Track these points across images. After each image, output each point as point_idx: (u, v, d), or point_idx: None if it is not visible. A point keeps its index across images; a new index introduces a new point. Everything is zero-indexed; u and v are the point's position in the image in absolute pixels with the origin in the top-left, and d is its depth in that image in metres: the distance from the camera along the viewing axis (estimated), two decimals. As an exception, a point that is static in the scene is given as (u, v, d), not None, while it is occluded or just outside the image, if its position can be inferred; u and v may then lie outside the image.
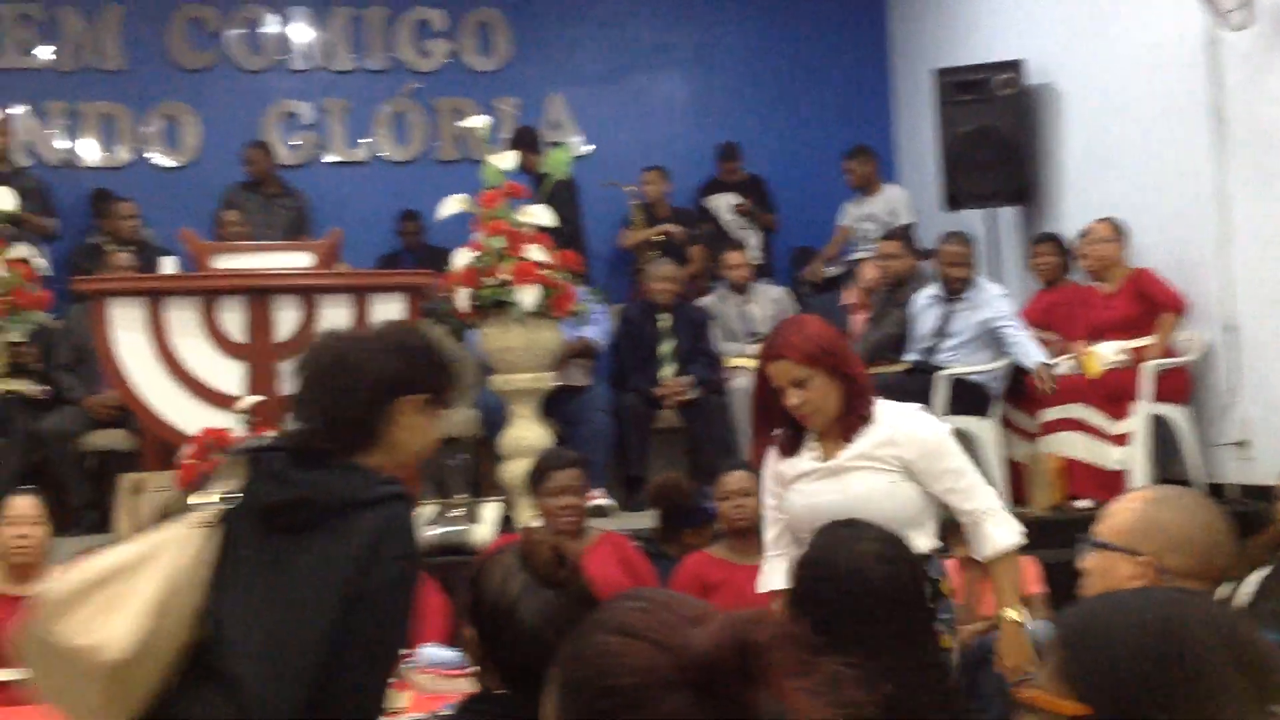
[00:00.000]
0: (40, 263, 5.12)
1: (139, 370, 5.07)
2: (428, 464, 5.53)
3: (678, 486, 4.74)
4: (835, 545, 2.54)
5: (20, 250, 5.05)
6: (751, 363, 6.47)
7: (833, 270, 7.82)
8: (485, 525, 4.84)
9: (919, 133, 8.16)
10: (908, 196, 7.81)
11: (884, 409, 3.14)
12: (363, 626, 2.14)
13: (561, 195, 6.17)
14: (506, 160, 5.26)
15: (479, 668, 2.07)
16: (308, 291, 5.21)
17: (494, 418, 5.65)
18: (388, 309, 5.26)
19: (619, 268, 8.41)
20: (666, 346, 6.54)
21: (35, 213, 7.08)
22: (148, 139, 8.51)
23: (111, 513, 5.39)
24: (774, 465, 3.23)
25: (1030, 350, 5.82)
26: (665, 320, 6.57)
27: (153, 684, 2.11)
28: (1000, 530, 3.12)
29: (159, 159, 8.52)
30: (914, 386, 5.77)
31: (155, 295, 5.14)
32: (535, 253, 5.13)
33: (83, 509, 6.12)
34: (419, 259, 7.82)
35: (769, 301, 6.93)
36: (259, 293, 5.17)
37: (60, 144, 8.40)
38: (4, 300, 4.82)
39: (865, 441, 3.09)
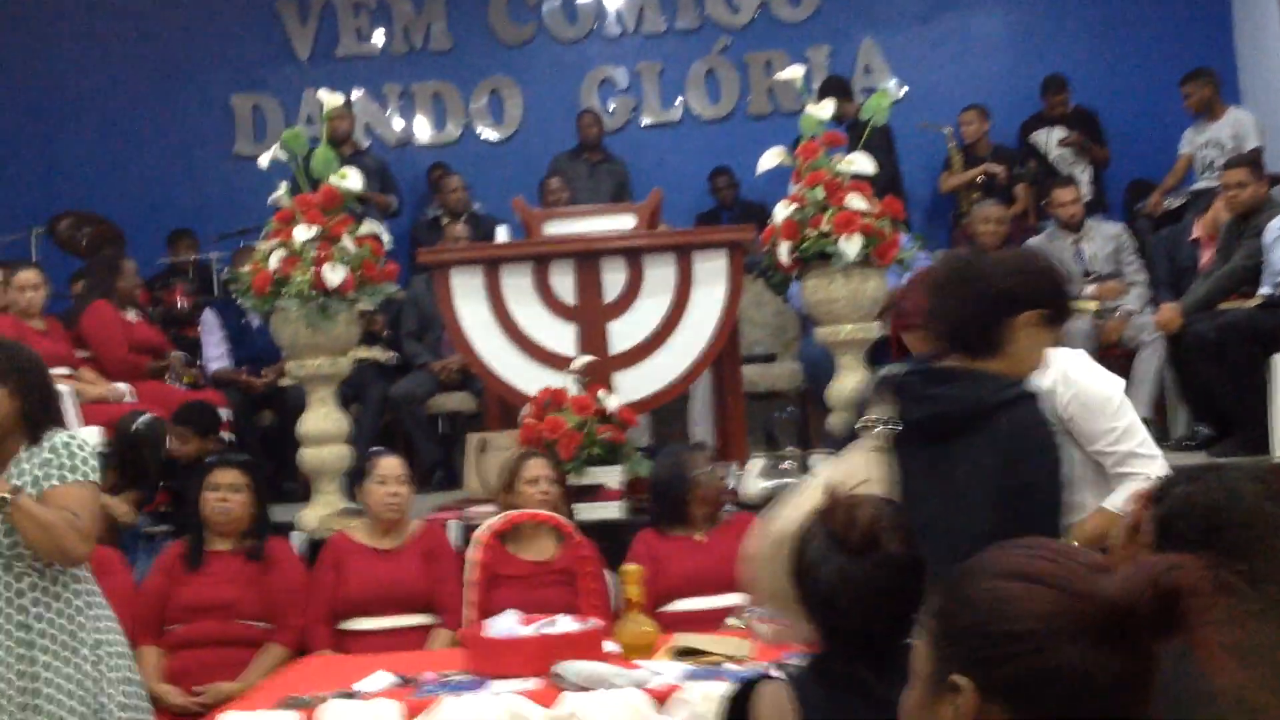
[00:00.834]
0: (385, 237, 5.41)
1: (480, 335, 5.32)
2: (756, 417, 5.57)
3: None
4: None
5: (368, 226, 5.35)
6: (1090, 305, 6.20)
7: (1173, 202, 7.36)
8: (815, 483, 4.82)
9: (1265, 50, 7.56)
10: (1254, 119, 7.24)
11: (1047, 359, 2.85)
12: (1019, 518, 2.26)
13: (878, 141, 6.06)
14: (824, 109, 5.20)
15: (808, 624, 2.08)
16: (633, 252, 5.32)
17: (819, 370, 5.63)
18: (710, 266, 5.31)
19: (938, 213, 8.21)
20: (995, 291, 6.33)
21: (376, 191, 7.53)
22: (475, 114, 8.89)
23: (460, 471, 5.69)
24: None
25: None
26: (992, 264, 6.36)
27: None
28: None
29: (486, 133, 8.89)
30: (1267, 324, 5.38)
31: (492, 263, 5.37)
32: (856, 201, 5.05)
33: (433, 468, 6.49)
34: (734, 215, 7.87)
35: (1104, 239, 6.60)
36: (587, 256, 5.32)
37: (397, 124, 8.89)
38: (354, 274, 5.12)
39: None
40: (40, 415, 3.18)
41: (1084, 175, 7.69)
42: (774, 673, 2.24)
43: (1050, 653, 1.15)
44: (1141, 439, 2.92)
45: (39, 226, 7.78)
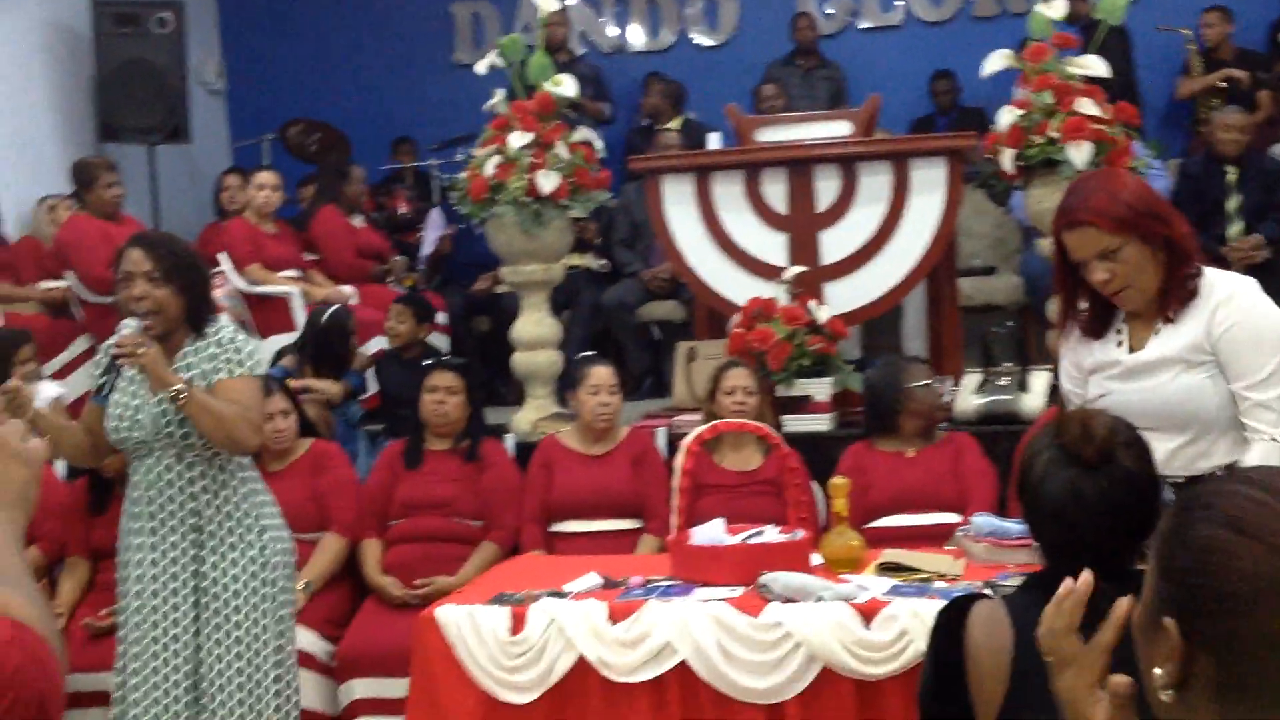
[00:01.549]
0: (598, 144, 5.42)
1: (689, 243, 5.29)
2: (972, 331, 5.41)
3: None
4: None
5: (581, 133, 5.37)
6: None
7: None
8: (1034, 395, 4.68)
9: None
10: None
11: (1213, 281, 2.65)
12: None
13: (1112, 43, 5.74)
14: (1055, 9, 4.94)
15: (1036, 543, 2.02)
16: (847, 160, 5.20)
17: (1041, 284, 5.43)
18: (928, 174, 5.15)
19: (1175, 119, 7.77)
20: (1233, 202, 5.99)
21: (589, 99, 7.54)
22: (689, 20, 8.79)
23: (669, 379, 5.72)
24: (1074, 349, 2.79)
25: None
26: (1232, 174, 6.02)
27: None
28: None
29: (700, 39, 8.79)
30: None
31: (703, 171, 5.32)
32: (1087, 106, 4.81)
33: (642, 376, 6.55)
34: (953, 121, 7.62)
35: (1358, 148, 6.15)
36: (800, 164, 5.22)
37: (611, 31, 8.87)
38: (567, 181, 5.15)
39: (1186, 328, 2.63)
40: (203, 309, 3.27)
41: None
42: (988, 592, 2.18)
43: (1258, 617, 1.07)
44: (1277, 393, 2.59)
45: (270, 133, 8.08)
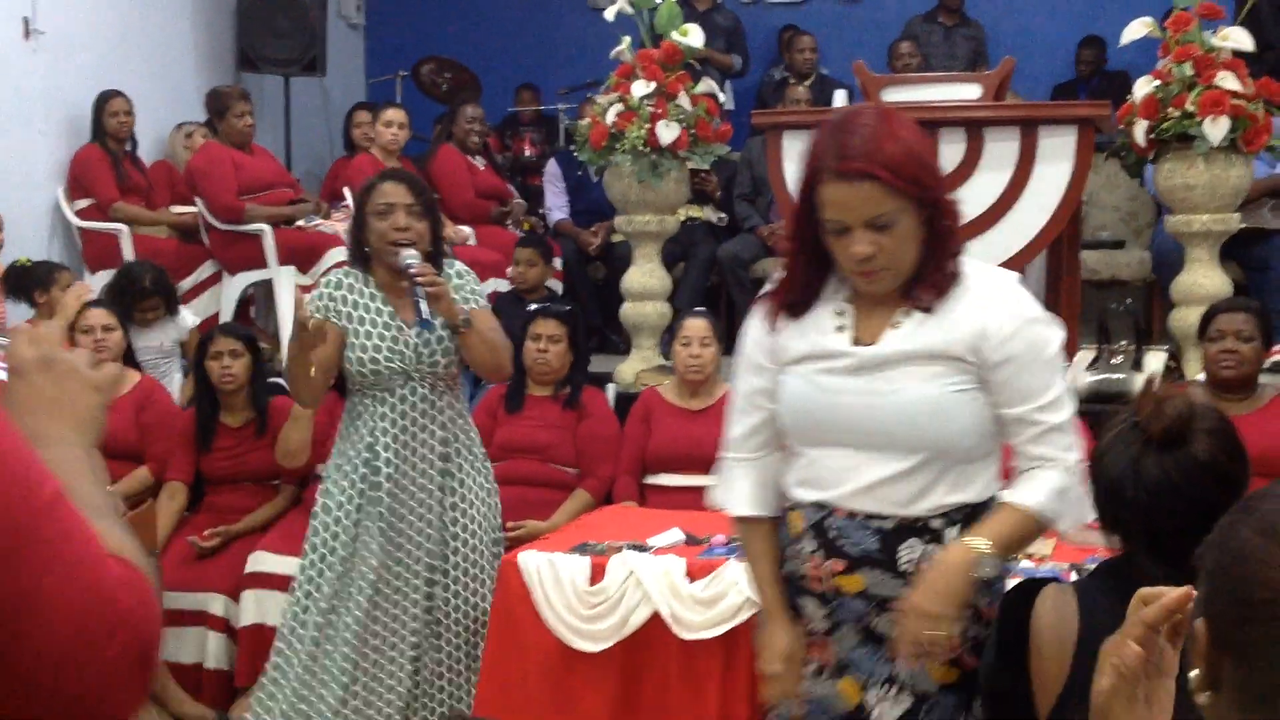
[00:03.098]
0: (722, 97, 5.37)
1: (806, 201, 5.22)
2: (1090, 306, 5.27)
3: None
4: None
5: (704, 85, 5.33)
6: None
7: None
8: (1147, 374, 4.55)
9: None
10: None
11: (973, 273, 2.12)
12: None
13: (1266, 16, 5.51)
14: (1202, -23, 4.75)
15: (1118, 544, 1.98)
16: (974, 124, 5.07)
17: (1168, 261, 5.25)
18: (1057, 142, 4.99)
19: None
20: (1384, 187, 5.71)
21: (720, 50, 7.47)
22: (831, -27, 8.64)
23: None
24: (764, 331, 2.21)
25: None
26: (1385, 156, 5.73)
27: None
28: (1038, 490, 2.07)
29: (840, -8, 8.64)
30: None
31: (824, 128, 5.23)
32: (1228, 80, 4.62)
33: (754, 331, 6.50)
34: (1095, 88, 7.38)
35: None
36: (925, 125, 5.08)
37: (751, -19, 8.76)
38: (688, 132, 5.13)
39: (941, 323, 2.07)
40: (442, 246, 3.44)
41: None
42: (1062, 577, 2.15)
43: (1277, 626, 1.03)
44: (1069, 414, 2.10)
45: (404, 71, 8.18)
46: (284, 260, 5.90)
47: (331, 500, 3.39)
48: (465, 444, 3.45)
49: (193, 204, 6.11)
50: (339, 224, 6.19)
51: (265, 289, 6.12)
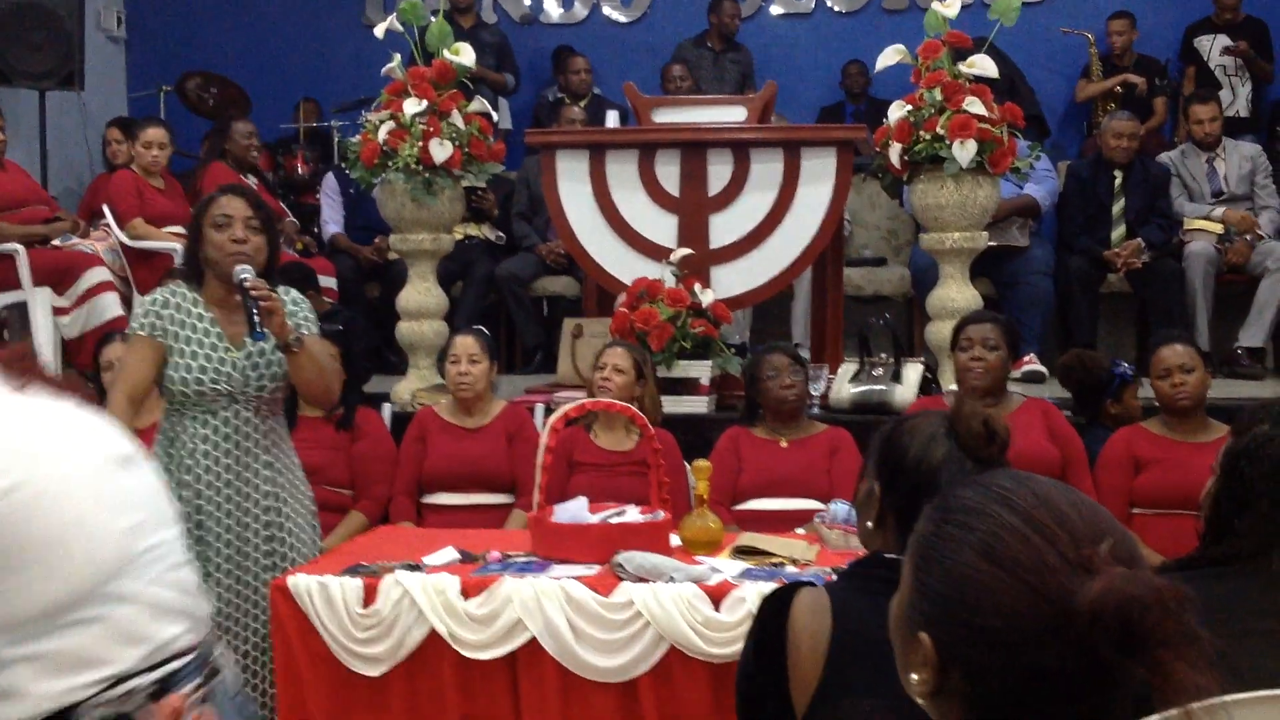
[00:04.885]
0: (497, 115, 5.39)
1: (581, 220, 5.29)
2: (855, 321, 5.48)
3: (1084, 362, 4.48)
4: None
5: (478, 104, 5.34)
6: (1215, 226, 5.96)
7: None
8: (907, 386, 4.75)
9: None
10: None
11: None
12: None
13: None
14: (950, 7, 5.00)
15: (873, 526, 2.04)
16: (741, 145, 5.22)
17: (925, 277, 5.51)
18: (819, 163, 5.20)
19: (1073, 122, 7.91)
20: (1118, 206, 6.12)
21: (492, 68, 7.48)
22: (603, -6, 8.75)
23: (556, 355, 5.72)
24: None
25: None
26: (1119, 178, 6.14)
27: None
28: None
29: (613, 14, 8.75)
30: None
31: (598, 148, 5.32)
32: (975, 105, 4.88)
33: (534, 350, 6.54)
34: (862, 111, 7.68)
35: (1240, 159, 6.30)
36: (694, 146, 5.23)
37: (525, 0, 8.80)
38: (461, 150, 5.13)
39: None
40: (275, 267, 3.39)
41: (1244, 89, 7.31)
42: (815, 580, 2.22)
43: (1011, 649, 1.11)
44: None
45: (168, 85, 7.92)
46: (39, 281, 5.64)
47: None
48: (289, 467, 3.42)
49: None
50: (98, 243, 5.96)
51: (20, 311, 5.83)
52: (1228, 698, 1.07)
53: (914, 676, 1.17)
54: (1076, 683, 1.10)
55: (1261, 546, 2.07)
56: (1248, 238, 5.97)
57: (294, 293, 3.43)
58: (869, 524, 2.04)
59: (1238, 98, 7.18)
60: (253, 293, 3.18)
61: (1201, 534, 2.19)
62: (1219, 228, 6.02)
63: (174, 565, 1.86)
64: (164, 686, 1.79)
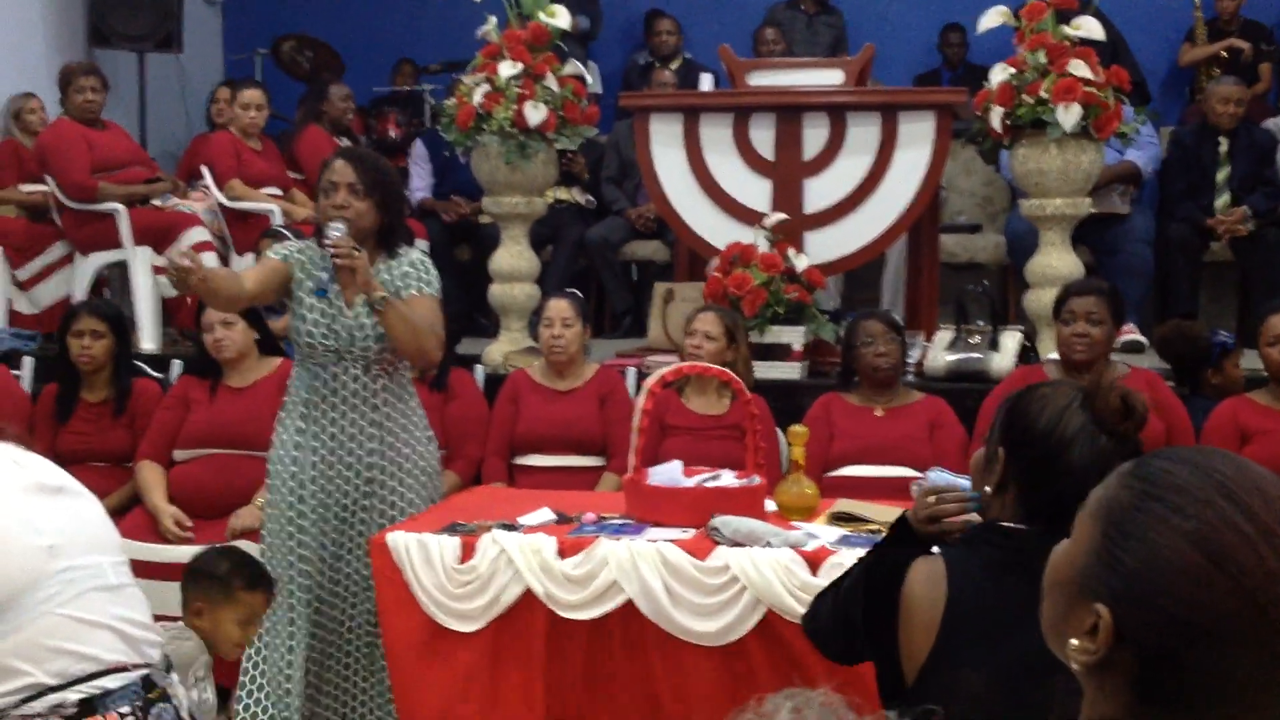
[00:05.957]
0: (589, 79, 5.37)
1: (674, 184, 5.26)
2: (949, 288, 5.40)
3: (1183, 332, 4.38)
4: None
5: (571, 67, 5.32)
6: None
7: None
8: (1005, 355, 4.68)
9: None
10: None
11: None
12: None
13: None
14: (1054, -32, 4.89)
15: (992, 491, 2.00)
16: (837, 109, 5.16)
17: (1022, 244, 5.41)
18: (917, 128, 5.11)
19: (1176, 87, 7.71)
20: (1223, 174, 5.96)
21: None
22: (697, -43, 8.66)
23: (646, 319, 5.71)
24: None
25: None
26: (1224, 144, 5.98)
27: None
28: None
29: (705, -24, 8.66)
30: None
31: (692, 112, 5.28)
32: (1079, 68, 4.77)
33: (623, 314, 6.53)
34: (958, 76, 7.54)
35: (1351, 125, 6.11)
36: (789, 110, 5.18)
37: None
38: (555, 114, 5.12)
39: None
40: (396, 230, 3.49)
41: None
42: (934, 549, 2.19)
43: (1207, 646, 1.06)
44: None
45: (264, 48, 8.00)
46: (139, 240, 5.74)
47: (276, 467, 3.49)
48: (404, 427, 3.48)
49: (43, 182, 5.90)
50: (196, 204, 6.04)
51: (120, 270, 5.95)
52: None
53: (1076, 643, 1.12)
54: (1260, 692, 1.06)
55: None
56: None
57: (415, 255, 3.52)
58: (987, 489, 2.01)
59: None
60: (332, 251, 3.28)
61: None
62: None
63: (103, 588, 1.96)
64: (91, 705, 1.89)
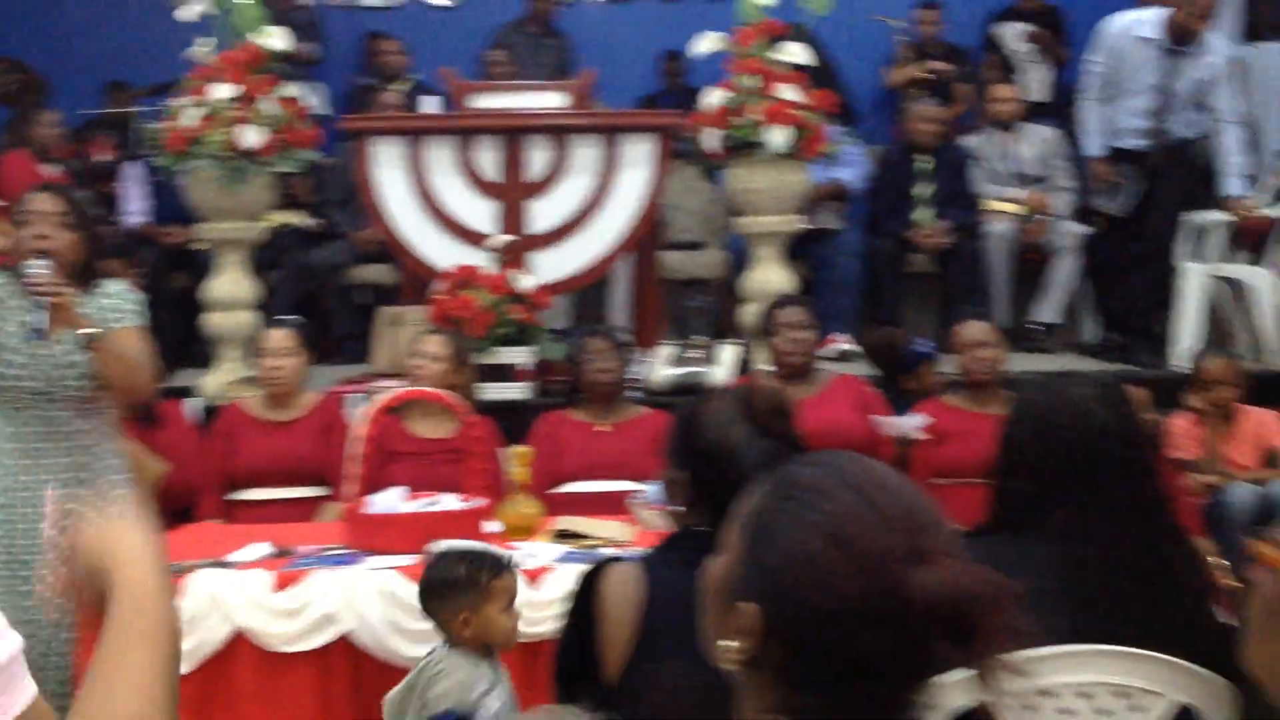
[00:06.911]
0: (313, 101, 5.27)
1: (397, 207, 5.23)
2: (670, 304, 5.53)
3: (890, 340, 4.62)
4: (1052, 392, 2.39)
5: (292, 89, 5.22)
6: (1013, 207, 6.18)
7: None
8: (722, 367, 4.82)
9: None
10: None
11: None
12: None
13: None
14: (763, -5, 5.08)
15: (683, 508, 2.06)
16: (560, 131, 5.22)
17: (739, 260, 5.59)
18: (638, 149, 5.23)
19: (887, 108, 8.10)
20: (924, 190, 6.29)
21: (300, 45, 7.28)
22: (422, -23, 8.61)
23: (371, 344, 5.63)
24: None
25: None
26: (925, 162, 6.31)
27: None
28: None
29: (432, -2, 8.63)
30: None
31: (415, 134, 5.25)
32: (788, 92, 4.97)
33: (346, 339, 6.41)
34: (679, 99, 7.72)
35: (1038, 141, 6.53)
36: (513, 133, 5.21)
37: (341, -16, 8.60)
38: (276, 137, 5.01)
39: None
40: (96, 264, 3.36)
41: (1042, 75, 7.57)
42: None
43: (841, 630, 1.12)
44: None
45: (-39, 71, 7.54)
46: None
47: None
48: (104, 470, 3.31)
49: None
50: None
51: None
52: (1025, 653, 1.11)
53: (728, 644, 1.17)
54: (897, 664, 1.12)
55: (1042, 508, 2.16)
56: (1038, 217, 6.20)
57: (113, 286, 3.37)
58: (680, 508, 2.07)
59: (1036, 82, 7.44)
60: (37, 290, 3.12)
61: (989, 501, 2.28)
62: (1017, 208, 6.24)
63: None
64: None
